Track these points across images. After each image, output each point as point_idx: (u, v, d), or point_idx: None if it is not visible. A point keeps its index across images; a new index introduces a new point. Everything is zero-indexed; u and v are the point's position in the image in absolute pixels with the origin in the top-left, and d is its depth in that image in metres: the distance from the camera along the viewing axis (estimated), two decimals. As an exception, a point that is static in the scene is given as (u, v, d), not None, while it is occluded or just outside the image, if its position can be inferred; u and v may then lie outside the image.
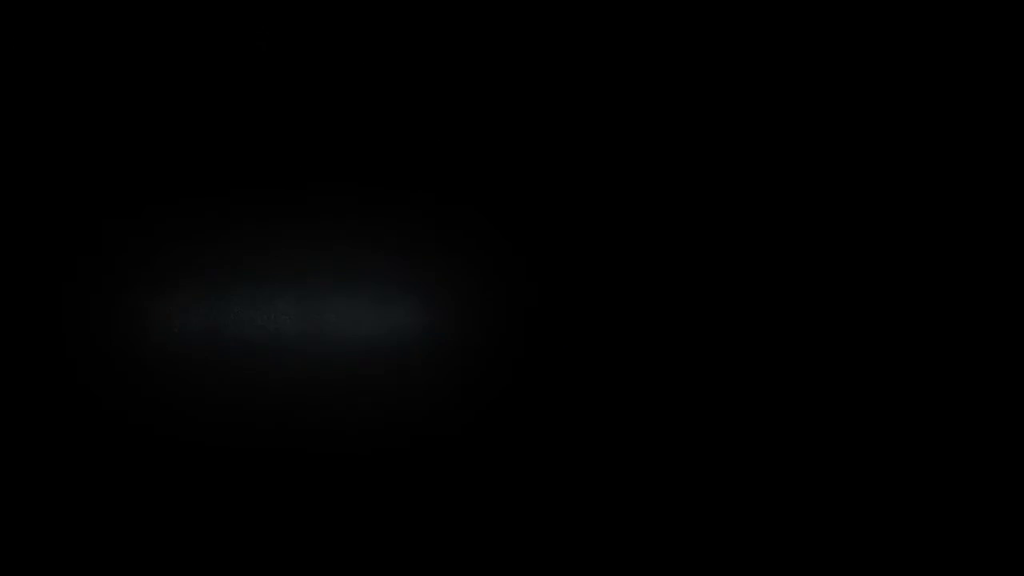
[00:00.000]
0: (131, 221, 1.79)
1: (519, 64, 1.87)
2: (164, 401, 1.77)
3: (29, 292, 1.75)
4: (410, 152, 1.86)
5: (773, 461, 1.85)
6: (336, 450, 1.81)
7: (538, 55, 1.87)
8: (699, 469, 1.84)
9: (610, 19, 1.88)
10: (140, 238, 1.79)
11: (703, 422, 1.85)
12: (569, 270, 1.86)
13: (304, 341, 1.81)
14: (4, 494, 1.73)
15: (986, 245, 1.85)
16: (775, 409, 1.85)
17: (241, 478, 1.79)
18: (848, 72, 1.88)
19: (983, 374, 1.83)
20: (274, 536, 1.79)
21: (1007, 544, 1.79)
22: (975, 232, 1.85)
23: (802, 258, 1.87)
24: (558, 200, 1.87)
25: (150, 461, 1.78)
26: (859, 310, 1.86)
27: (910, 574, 1.80)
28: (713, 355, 1.85)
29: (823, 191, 1.88)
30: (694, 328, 1.86)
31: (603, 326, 1.84)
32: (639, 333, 1.85)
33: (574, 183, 1.88)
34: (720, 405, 1.85)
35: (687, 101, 1.89)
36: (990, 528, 1.80)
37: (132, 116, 1.81)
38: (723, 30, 1.87)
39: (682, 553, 1.83)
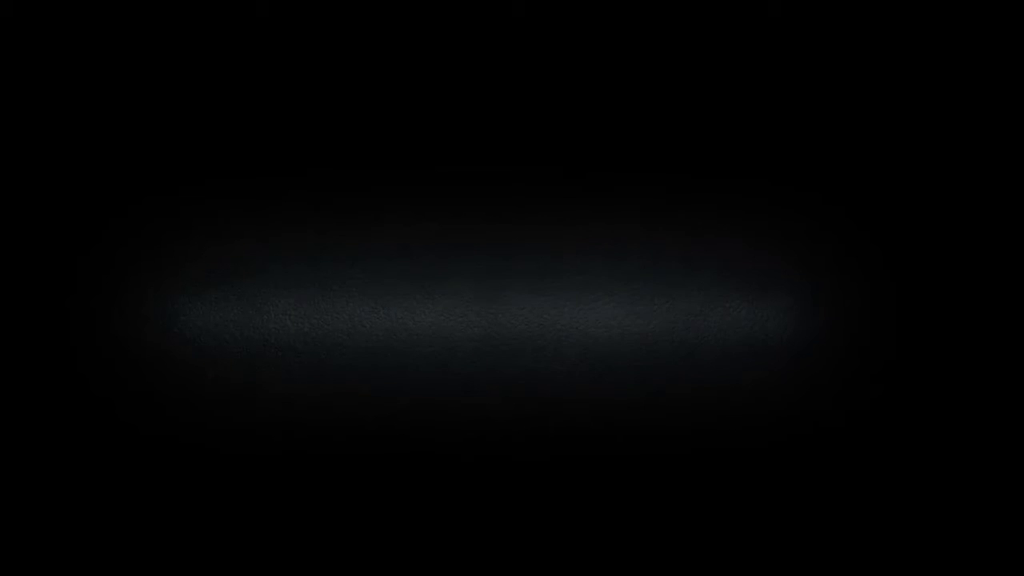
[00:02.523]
0: (131, 220, 1.77)
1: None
2: (164, 400, 1.76)
3: (27, 291, 1.73)
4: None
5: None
6: (337, 449, 1.80)
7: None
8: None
9: (591, 19, 1.85)
10: (140, 236, 1.77)
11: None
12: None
13: (303, 340, 1.79)
14: (5, 494, 1.71)
15: None
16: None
17: (240, 480, 1.77)
18: None
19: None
20: (275, 538, 1.77)
21: None
22: None
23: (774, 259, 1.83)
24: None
25: (149, 463, 1.76)
26: None
27: None
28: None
29: None
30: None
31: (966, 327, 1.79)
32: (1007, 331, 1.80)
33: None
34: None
35: (668, 101, 1.85)
36: None
37: (132, 117, 1.78)
38: None
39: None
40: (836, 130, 1.87)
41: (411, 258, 1.81)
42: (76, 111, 1.77)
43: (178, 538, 1.75)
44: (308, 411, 1.77)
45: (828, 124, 1.87)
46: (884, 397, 1.84)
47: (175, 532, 1.75)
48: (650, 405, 1.81)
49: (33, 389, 1.72)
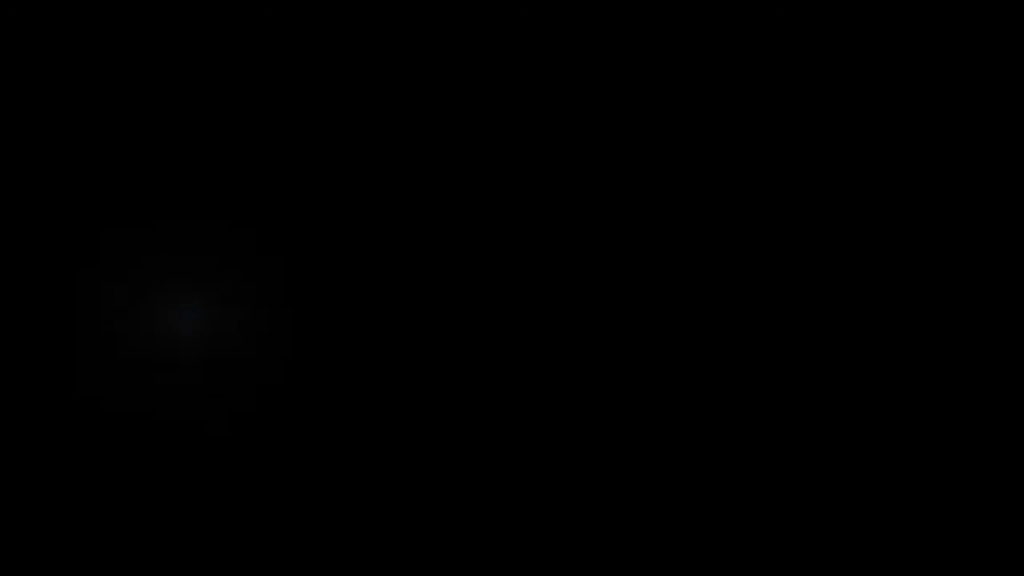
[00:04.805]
0: (131, 220, 1.78)
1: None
2: (165, 401, 1.76)
3: (27, 292, 1.73)
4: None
5: (765, 463, 1.85)
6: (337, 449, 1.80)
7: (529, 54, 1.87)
8: (692, 471, 1.83)
9: (592, 19, 1.88)
10: (140, 238, 1.78)
11: (697, 421, 1.84)
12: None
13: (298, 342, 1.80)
14: (4, 493, 1.71)
15: (986, 245, 1.85)
16: (760, 411, 1.85)
17: (242, 479, 1.78)
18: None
19: (984, 374, 1.83)
20: (274, 535, 1.78)
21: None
22: (976, 232, 1.85)
23: (777, 258, 1.87)
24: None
25: (150, 461, 1.76)
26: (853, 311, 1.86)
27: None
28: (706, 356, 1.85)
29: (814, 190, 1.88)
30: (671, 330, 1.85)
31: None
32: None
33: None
34: (716, 406, 1.85)
35: (668, 101, 1.89)
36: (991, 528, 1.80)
37: (132, 113, 1.79)
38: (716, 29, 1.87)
39: (677, 555, 1.82)
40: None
41: (411, 259, 1.82)
42: (77, 111, 1.78)
43: (178, 536, 1.75)
44: (308, 410, 1.78)
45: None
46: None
47: (176, 530, 1.75)
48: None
49: (33, 388, 1.73)
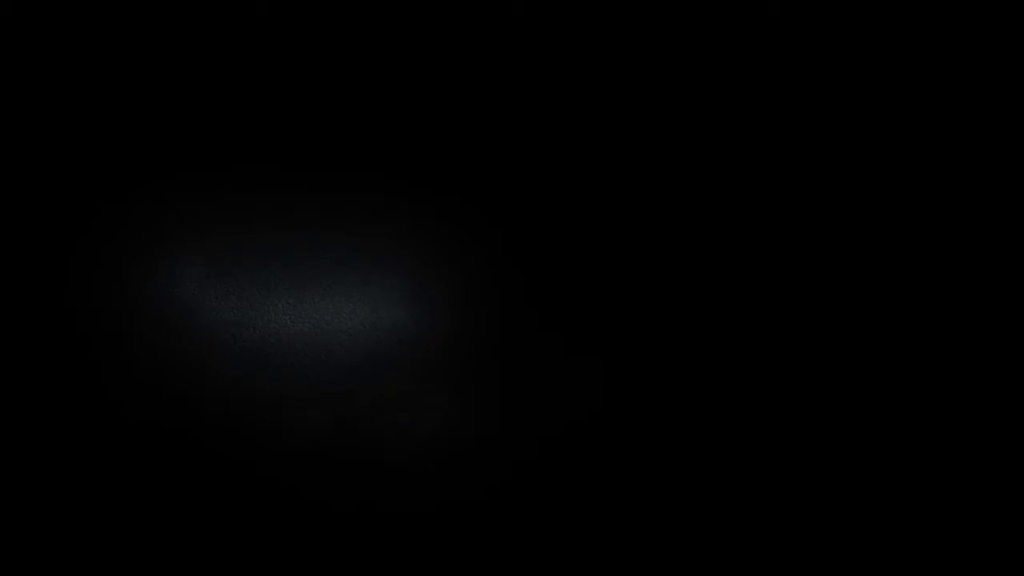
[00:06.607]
0: (131, 216, 1.78)
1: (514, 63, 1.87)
2: (165, 398, 1.77)
3: (29, 290, 1.74)
4: (410, 145, 1.85)
5: (769, 461, 1.86)
6: (335, 448, 1.81)
7: (531, 56, 1.87)
8: (694, 466, 1.86)
9: (592, 19, 1.88)
10: (140, 232, 1.78)
11: (694, 418, 1.86)
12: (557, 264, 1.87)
13: (303, 340, 1.80)
14: (6, 489, 1.73)
15: (985, 245, 1.86)
16: (768, 407, 1.87)
17: (239, 478, 1.79)
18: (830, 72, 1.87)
19: (981, 374, 1.85)
20: (272, 535, 1.79)
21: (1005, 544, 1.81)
22: (973, 232, 1.86)
23: (779, 258, 1.88)
24: (549, 195, 1.87)
25: (151, 459, 1.77)
26: (853, 311, 1.87)
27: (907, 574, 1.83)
28: (702, 353, 1.86)
29: (814, 190, 1.89)
30: (680, 327, 1.87)
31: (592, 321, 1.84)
32: (631, 327, 1.86)
33: (564, 179, 1.88)
34: (712, 401, 1.86)
35: (668, 101, 1.89)
36: (988, 528, 1.82)
37: (131, 110, 1.79)
38: (710, 30, 1.87)
39: (685, 554, 1.84)
40: (469, 134, 1.85)
41: (410, 261, 1.83)
42: (76, 111, 1.78)
43: (178, 535, 1.77)
44: (307, 410, 1.80)
45: (464, 127, 1.86)
46: (507, 393, 1.86)
47: (175, 529, 1.77)
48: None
49: (31, 388, 1.73)
